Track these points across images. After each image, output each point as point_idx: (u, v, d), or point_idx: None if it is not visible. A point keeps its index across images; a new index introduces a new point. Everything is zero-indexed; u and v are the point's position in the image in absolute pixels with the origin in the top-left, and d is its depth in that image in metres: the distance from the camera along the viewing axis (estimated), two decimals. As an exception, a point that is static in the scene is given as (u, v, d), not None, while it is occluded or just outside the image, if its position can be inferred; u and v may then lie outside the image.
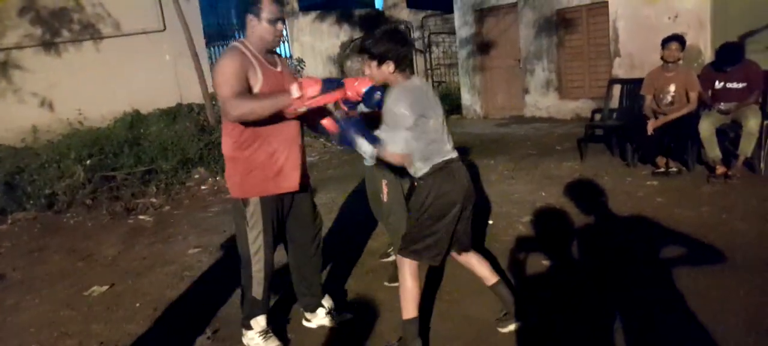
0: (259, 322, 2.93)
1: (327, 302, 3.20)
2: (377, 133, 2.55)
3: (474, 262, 2.92)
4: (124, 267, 4.58)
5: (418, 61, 11.79)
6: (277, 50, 2.89)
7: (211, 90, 8.37)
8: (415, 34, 11.77)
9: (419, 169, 2.62)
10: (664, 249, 3.74)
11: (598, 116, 7.26)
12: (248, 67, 2.59)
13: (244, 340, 2.99)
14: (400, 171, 3.52)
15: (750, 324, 2.72)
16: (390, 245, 3.96)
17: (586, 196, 5.07)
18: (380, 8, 12.18)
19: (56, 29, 9.18)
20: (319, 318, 3.18)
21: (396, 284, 3.44)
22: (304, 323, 3.22)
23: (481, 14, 10.49)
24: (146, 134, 8.16)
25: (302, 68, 10.68)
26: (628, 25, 8.38)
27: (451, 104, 10.97)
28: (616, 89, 6.95)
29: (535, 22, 9.57)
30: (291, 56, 12.40)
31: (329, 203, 5.81)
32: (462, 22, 10.72)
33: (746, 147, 5.05)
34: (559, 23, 9.31)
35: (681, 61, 5.50)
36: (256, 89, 2.60)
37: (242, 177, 2.71)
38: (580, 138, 6.76)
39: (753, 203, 4.47)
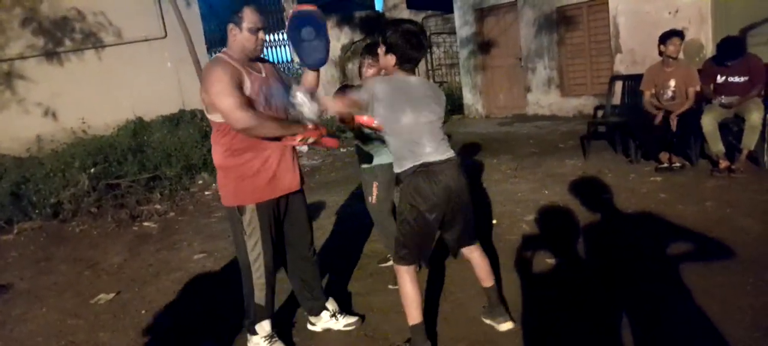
0: (264, 327, 2.94)
1: (331, 304, 3.20)
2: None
3: (476, 258, 2.92)
4: (130, 275, 4.59)
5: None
6: (269, 55, 2.95)
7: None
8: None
9: (396, 167, 2.71)
10: (669, 245, 3.73)
11: (600, 113, 7.26)
12: (237, 75, 2.64)
13: (250, 345, 3.00)
14: (391, 175, 3.50)
15: (757, 320, 2.71)
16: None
17: (590, 193, 5.06)
18: (380, 10, 12.18)
19: (58, 39, 9.24)
20: (324, 321, 3.18)
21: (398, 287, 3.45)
22: (309, 326, 3.22)
23: (481, 13, 10.49)
24: (149, 141, 8.19)
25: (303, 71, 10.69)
26: (629, 21, 8.37)
27: (453, 104, 10.97)
28: (618, 86, 6.94)
29: (536, 20, 9.57)
30: (292, 60, 12.42)
31: (332, 205, 5.82)
32: (462, 22, 10.72)
33: (749, 141, 5.04)
34: (560, 20, 9.31)
35: (681, 56, 5.49)
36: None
37: (236, 185, 2.73)
38: (582, 135, 6.75)
39: (757, 197, 4.46)
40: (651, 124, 5.37)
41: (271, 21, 12.45)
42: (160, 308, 3.86)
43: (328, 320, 3.18)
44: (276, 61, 11.56)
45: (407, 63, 2.66)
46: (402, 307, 2.73)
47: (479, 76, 10.79)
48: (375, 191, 3.49)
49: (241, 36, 2.69)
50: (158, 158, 7.48)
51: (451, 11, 11.02)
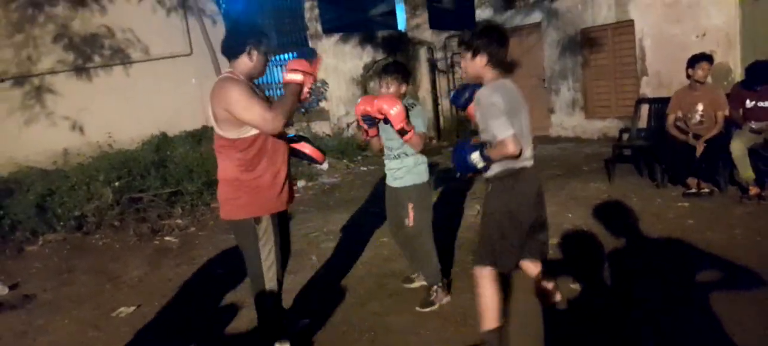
0: (282, 344, 2.97)
1: None
2: (480, 137, 2.59)
3: (539, 274, 2.92)
4: (150, 288, 4.61)
5: (442, 82, 11.79)
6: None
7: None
8: (438, 55, 11.78)
9: (493, 168, 2.63)
10: (695, 272, 3.63)
11: (625, 136, 7.15)
12: (250, 89, 2.74)
13: None
14: (426, 195, 3.47)
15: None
16: (414, 271, 3.90)
17: (615, 218, 4.97)
18: (403, 29, 12.22)
19: (88, 55, 9.44)
20: None
21: (429, 309, 3.40)
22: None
23: (504, 34, 10.45)
24: (172, 156, 8.27)
25: (325, 89, 10.76)
26: (655, 43, 8.28)
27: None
28: (644, 109, 6.84)
29: (559, 41, 9.52)
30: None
31: (351, 224, 5.79)
32: (485, 43, 10.69)
33: (780, 167, 4.91)
34: (584, 42, 9.25)
35: (709, 80, 5.39)
36: None
37: (251, 197, 2.80)
38: (607, 158, 6.64)
39: (789, 225, 4.33)
40: (677, 149, 5.27)
41: (295, 39, 12.58)
42: (180, 323, 3.86)
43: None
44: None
45: (497, 59, 2.60)
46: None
47: (501, 97, 10.72)
48: (411, 213, 3.44)
49: (257, 58, 2.79)
50: (180, 173, 7.55)
51: (474, 32, 11.00)
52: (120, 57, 9.64)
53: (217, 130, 2.78)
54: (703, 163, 5.30)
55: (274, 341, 2.95)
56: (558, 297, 2.98)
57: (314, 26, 11.10)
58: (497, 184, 2.62)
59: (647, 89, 8.37)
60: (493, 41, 2.57)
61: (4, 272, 5.43)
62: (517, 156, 2.52)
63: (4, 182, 7.82)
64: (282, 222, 2.99)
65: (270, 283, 2.90)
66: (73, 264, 5.53)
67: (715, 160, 5.29)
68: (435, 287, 3.54)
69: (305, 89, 2.83)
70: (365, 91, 12.04)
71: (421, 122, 3.36)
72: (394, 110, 3.08)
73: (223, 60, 3.06)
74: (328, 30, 10.85)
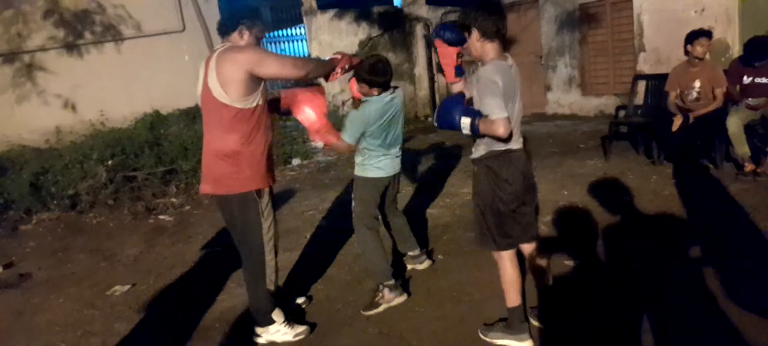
0: (279, 313, 3.01)
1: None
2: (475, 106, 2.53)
3: (533, 255, 2.92)
4: (146, 266, 4.61)
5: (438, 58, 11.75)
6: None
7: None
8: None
9: (478, 149, 2.61)
10: (691, 249, 3.64)
11: (622, 113, 7.13)
12: None
13: (267, 336, 2.99)
14: (367, 192, 3.37)
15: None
16: (406, 251, 3.85)
17: (611, 195, 4.96)
18: (399, 5, 12.09)
19: (79, 31, 9.31)
20: (271, 333, 3.06)
21: (372, 312, 3.29)
22: (255, 338, 3.10)
23: (501, 10, 10.35)
24: (166, 134, 8.22)
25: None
26: (654, 19, 8.21)
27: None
28: (641, 85, 6.80)
29: (557, 17, 9.43)
30: (309, 55, 12.40)
31: (347, 202, 5.76)
32: (482, 19, 10.59)
33: (777, 144, 4.91)
34: (582, 18, 9.16)
35: (707, 56, 5.35)
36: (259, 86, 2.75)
37: (253, 170, 2.79)
38: (604, 136, 6.63)
39: (785, 201, 4.34)
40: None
41: (290, 15, 12.45)
42: (175, 301, 3.87)
43: (274, 333, 3.05)
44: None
45: (489, 31, 2.54)
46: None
47: (498, 74, 10.66)
48: (353, 202, 3.41)
49: (247, 39, 2.81)
50: (175, 151, 7.51)
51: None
52: (111, 33, 9.52)
53: (224, 100, 2.66)
54: (699, 140, 5.28)
55: (270, 317, 2.96)
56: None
57: (309, 1, 10.97)
58: (482, 167, 2.61)
59: (645, 66, 8.32)
60: (482, 15, 2.53)
61: (-2, 251, 5.42)
62: (506, 140, 2.50)
63: (-3, 160, 7.77)
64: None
65: (269, 256, 2.93)
66: (68, 243, 5.51)
67: (711, 137, 5.27)
68: (380, 286, 3.35)
69: (337, 69, 2.94)
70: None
71: (355, 129, 3.16)
72: (309, 122, 3.03)
73: (216, 38, 3.04)
74: (323, 6, 10.73)
